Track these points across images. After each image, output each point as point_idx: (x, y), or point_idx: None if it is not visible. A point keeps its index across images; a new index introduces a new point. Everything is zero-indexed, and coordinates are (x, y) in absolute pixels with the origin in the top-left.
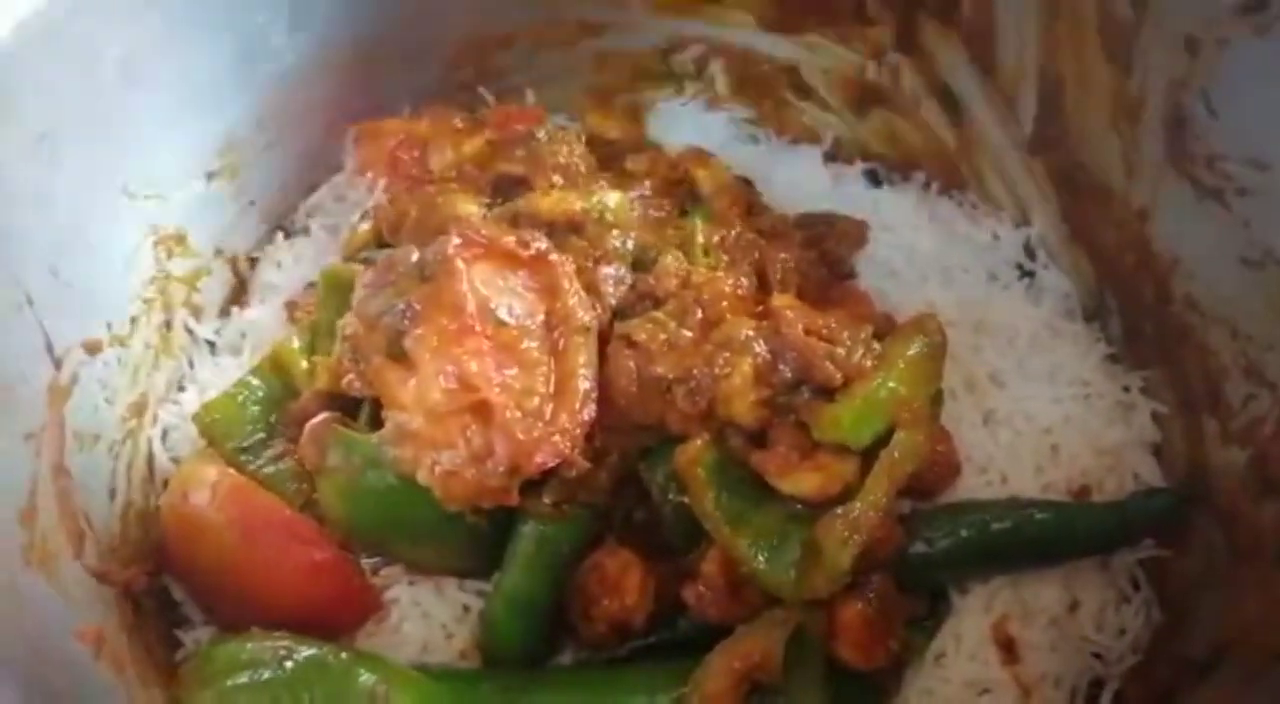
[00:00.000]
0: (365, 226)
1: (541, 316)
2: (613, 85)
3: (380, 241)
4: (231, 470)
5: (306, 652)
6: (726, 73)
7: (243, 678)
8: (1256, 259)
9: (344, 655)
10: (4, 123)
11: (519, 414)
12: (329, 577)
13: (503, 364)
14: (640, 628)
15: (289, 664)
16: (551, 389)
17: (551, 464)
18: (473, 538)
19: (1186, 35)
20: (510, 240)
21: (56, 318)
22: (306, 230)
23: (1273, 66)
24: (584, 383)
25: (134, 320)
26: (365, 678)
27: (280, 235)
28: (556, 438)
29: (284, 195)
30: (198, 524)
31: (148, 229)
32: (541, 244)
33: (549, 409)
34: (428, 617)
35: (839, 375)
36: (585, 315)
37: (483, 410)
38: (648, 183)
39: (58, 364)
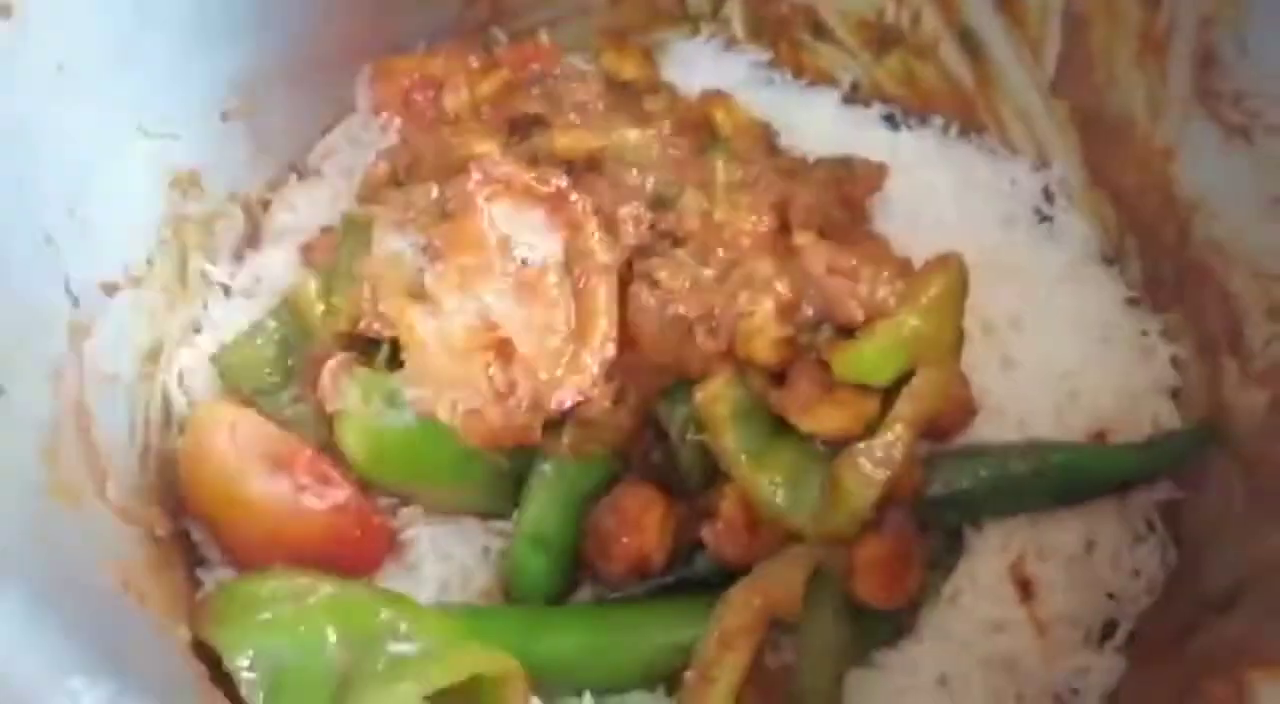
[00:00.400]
0: (381, 167)
1: (561, 255)
2: (628, 25)
3: (396, 182)
4: (249, 411)
5: (327, 588)
6: (743, 13)
7: (264, 614)
8: None
9: (365, 591)
10: (23, 51)
11: (540, 352)
12: (347, 517)
13: (524, 302)
14: (659, 567)
15: (310, 600)
16: (572, 327)
17: (573, 403)
18: (492, 478)
19: None
20: (530, 177)
21: (75, 257)
22: (320, 172)
23: None
24: (604, 322)
25: (149, 262)
26: (386, 613)
27: (294, 177)
28: (578, 376)
29: (298, 137)
30: (216, 464)
31: (162, 169)
32: (562, 181)
33: (570, 348)
34: (448, 557)
35: (861, 313)
36: (605, 254)
37: (504, 349)
38: (666, 123)
39: (76, 303)
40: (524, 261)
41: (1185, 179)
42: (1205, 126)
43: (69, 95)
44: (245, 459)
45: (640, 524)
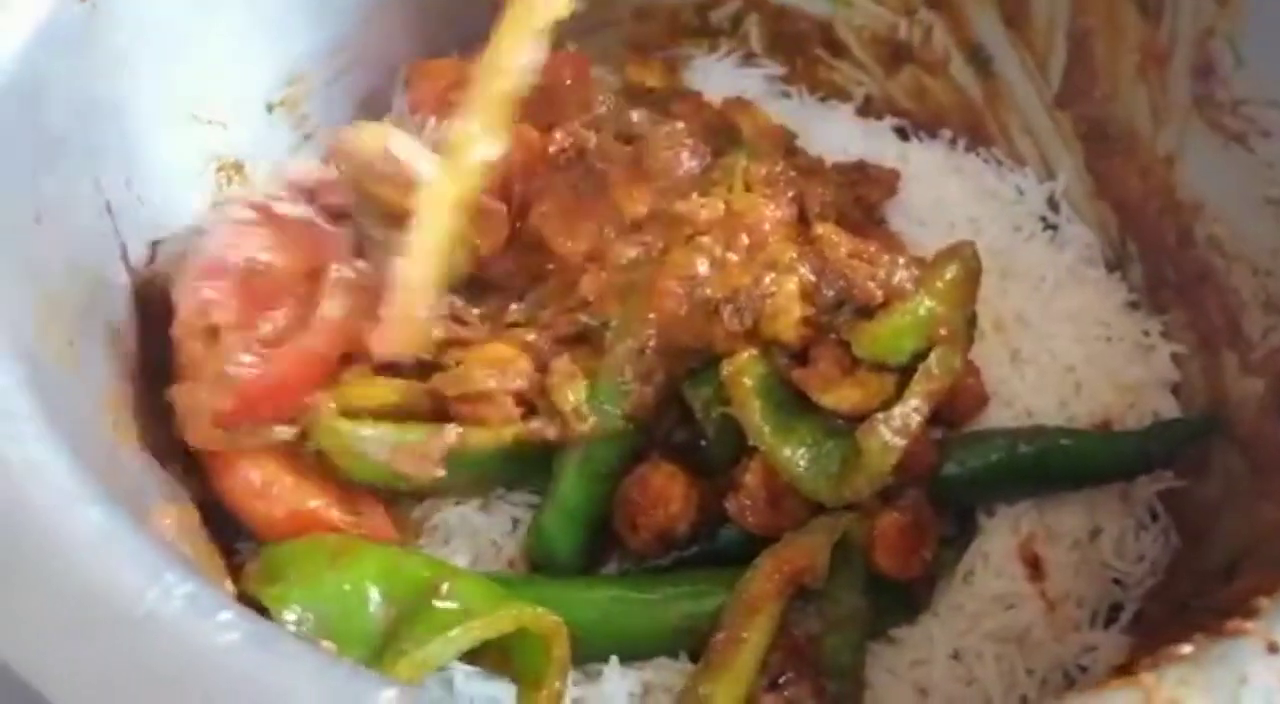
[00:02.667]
0: None
1: None
2: (651, 39)
3: None
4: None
5: (372, 551)
6: (761, 29)
7: (310, 572)
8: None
9: (407, 555)
10: (95, 33)
11: None
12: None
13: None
14: (684, 538)
15: (354, 560)
16: None
17: None
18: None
19: None
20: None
21: (130, 229)
22: None
23: None
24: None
25: None
26: (428, 573)
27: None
28: None
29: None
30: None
31: (210, 155)
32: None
33: None
34: (475, 534)
35: (880, 294)
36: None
37: None
38: (682, 125)
39: (132, 273)
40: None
41: (1186, 184)
42: (1205, 134)
43: (131, 77)
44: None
45: (665, 496)
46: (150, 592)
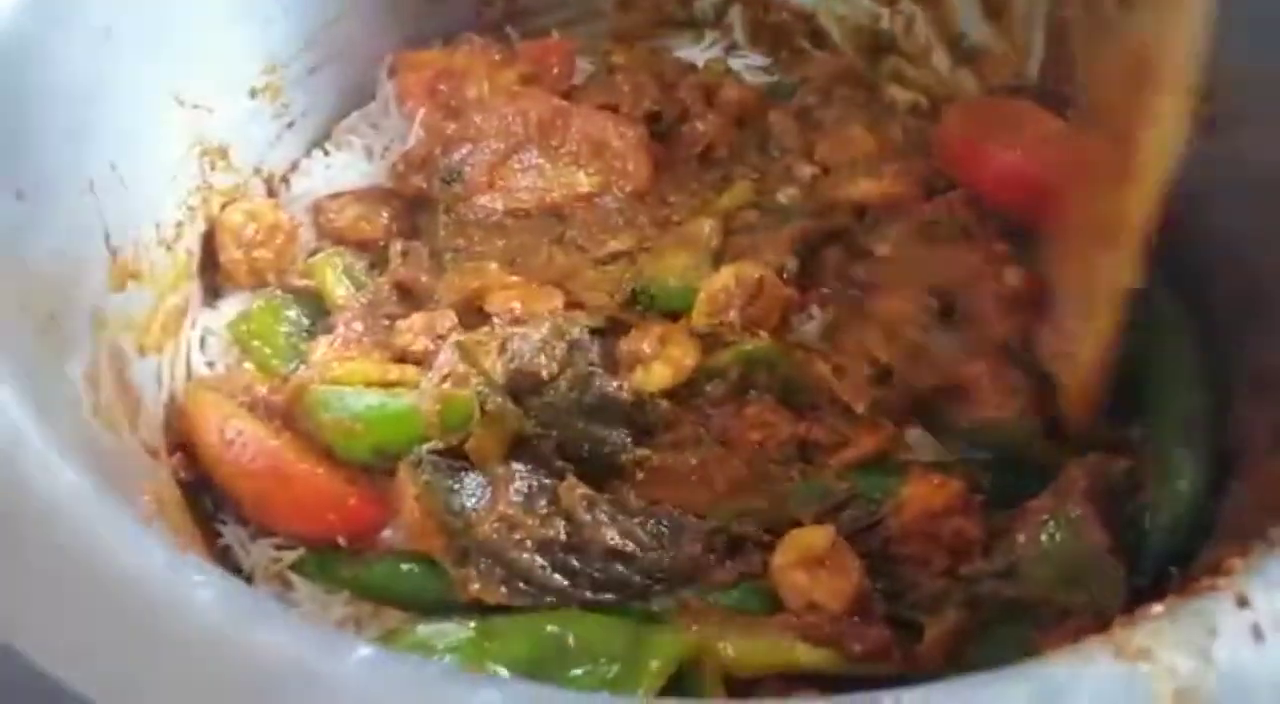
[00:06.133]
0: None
1: None
2: (635, 29)
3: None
4: (238, 410)
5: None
6: (745, 19)
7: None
8: (1250, 183)
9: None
10: (73, 15)
11: None
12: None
13: None
14: None
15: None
16: None
17: None
18: None
19: None
20: None
21: (114, 210)
22: (340, 147)
23: None
24: None
25: (179, 225)
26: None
27: (319, 153)
28: None
29: (320, 119)
30: (211, 453)
31: (193, 138)
32: None
33: None
34: None
35: None
36: None
37: None
38: None
39: (114, 256)
40: None
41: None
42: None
43: (114, 58)
44: (237, 467)
45: None
46: (129, 555)
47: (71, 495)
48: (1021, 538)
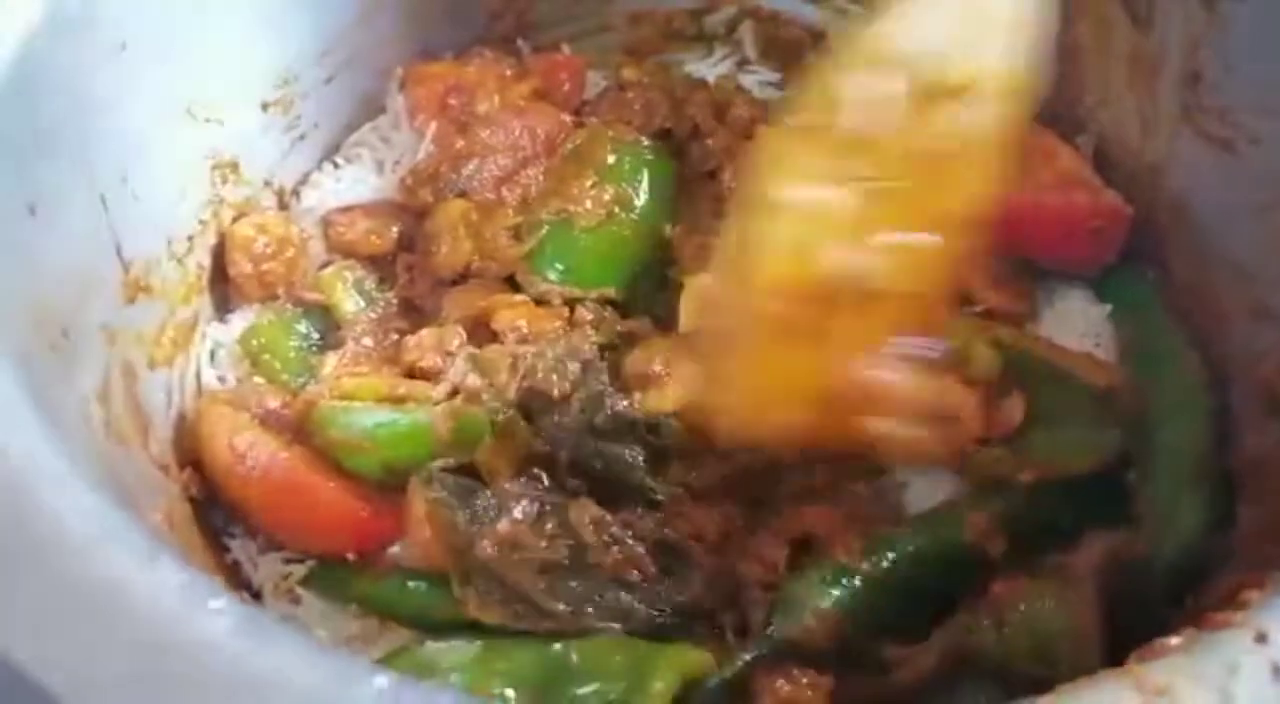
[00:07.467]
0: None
1: None
2: (646, 44)
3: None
4: (249, 423)
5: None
6: (755, 35)
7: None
8: (1266, 203)
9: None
10: (87, 29)
11: None
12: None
13: None
14: None
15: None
16: None
17: None
18: None
19: None
20: None
21: (125, 224)
22: (350, 160)
23: None
24: None
25: (190, 239)
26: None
27: (329, 166)
28: None
29: (331, 132)
30: (221, 465)
31: (206, 152)
32: None
33: None
34: None
35: None
36: None
37: None
38: None
39: (126, 270)
40: None
41: (1173, 192)
42: (1193, 141)
43: (128, 71)
44: (248, 478)
45: None
46: (142, 577)
47: (83, 514)
48: (1021, 606)
